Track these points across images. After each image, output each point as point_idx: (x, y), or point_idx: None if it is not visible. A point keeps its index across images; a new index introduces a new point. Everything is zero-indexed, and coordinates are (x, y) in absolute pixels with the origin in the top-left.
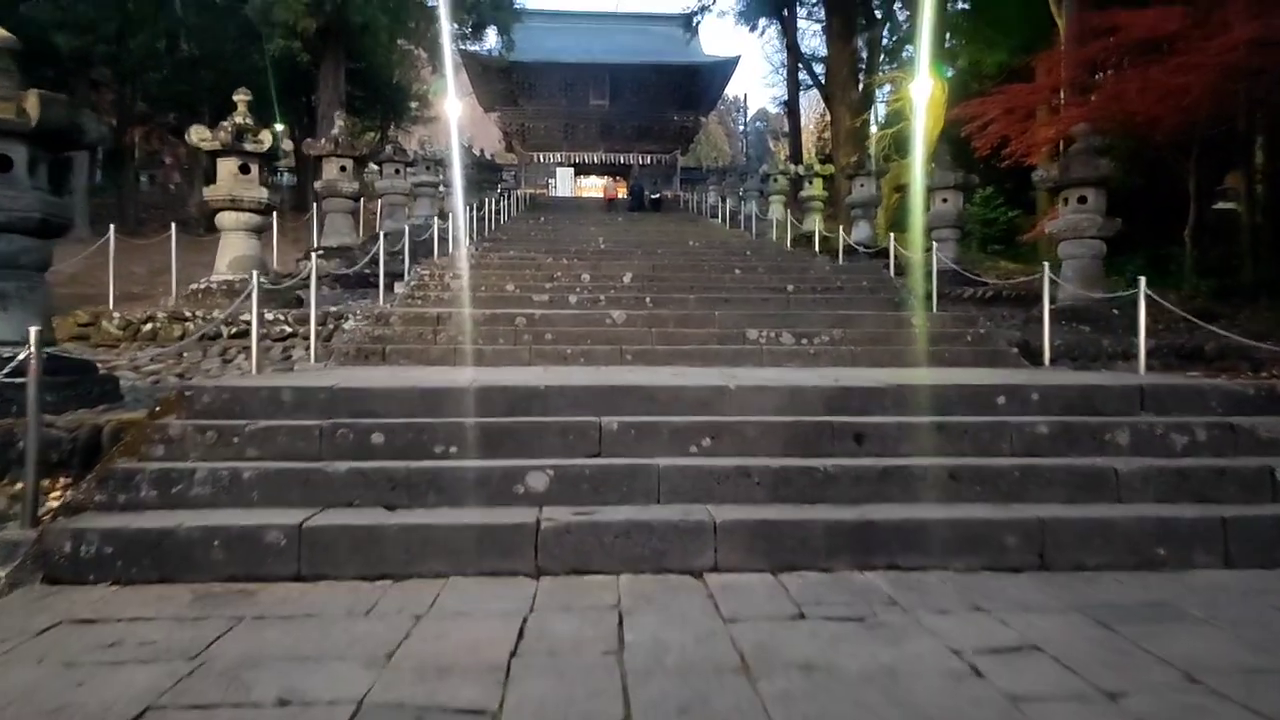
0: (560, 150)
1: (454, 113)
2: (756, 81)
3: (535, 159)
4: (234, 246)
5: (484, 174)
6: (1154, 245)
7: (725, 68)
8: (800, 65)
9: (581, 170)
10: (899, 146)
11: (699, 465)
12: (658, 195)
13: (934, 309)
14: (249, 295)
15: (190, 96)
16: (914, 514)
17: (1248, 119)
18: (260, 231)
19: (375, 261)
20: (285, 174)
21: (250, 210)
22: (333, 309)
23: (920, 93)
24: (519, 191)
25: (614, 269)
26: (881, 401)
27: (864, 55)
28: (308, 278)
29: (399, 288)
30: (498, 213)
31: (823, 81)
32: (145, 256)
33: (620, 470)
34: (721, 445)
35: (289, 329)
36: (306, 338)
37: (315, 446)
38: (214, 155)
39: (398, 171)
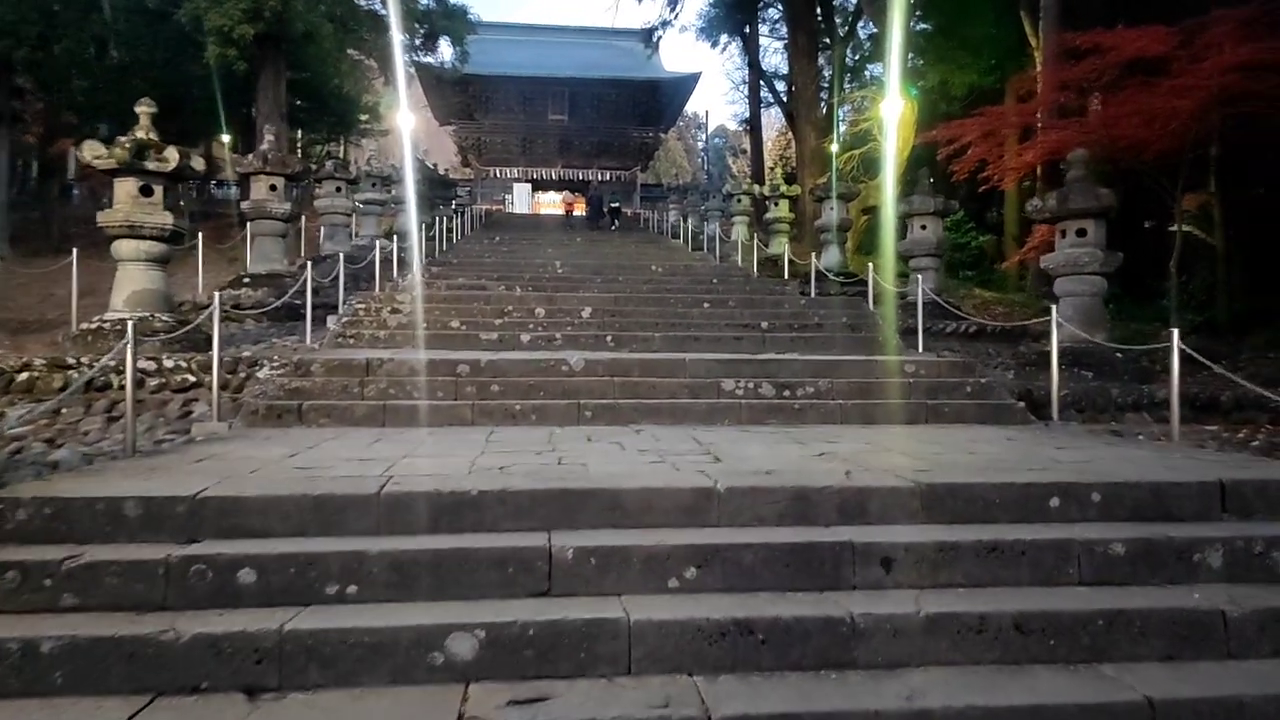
0: (518, 165)
1: (406, 126)
2: (717, 98)
3: (492, 174)
4: (132, 280)
5: (437, 190)
6: (1129, 273)
7: (686, 84)
8: (762, 82)
9: (540, 186)
10: (867, 168)
11: (683, 615)
12: (617, 205)
13: (919, 347)
14: (142, 340)
15: (119, 107)
16: (981, 697)
17: (1221, 143)
18: (165, 262)
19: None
20: (232, 187)
21: (152, 238)
22: (248, 352)
23: (890, 112)
24: (475, 208)
25: (571, 302)
26: (907, 506)
27: (826, 74)
28: (230, 309)
29: (331, 322)
30: (449, 232)
31: (785, 100)
32: (65, 278)
33: (576, 627)
34: (711, 577)
35: (192, 378)
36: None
37: (159, 592)
38: (111, 175)
39: (339, 190)
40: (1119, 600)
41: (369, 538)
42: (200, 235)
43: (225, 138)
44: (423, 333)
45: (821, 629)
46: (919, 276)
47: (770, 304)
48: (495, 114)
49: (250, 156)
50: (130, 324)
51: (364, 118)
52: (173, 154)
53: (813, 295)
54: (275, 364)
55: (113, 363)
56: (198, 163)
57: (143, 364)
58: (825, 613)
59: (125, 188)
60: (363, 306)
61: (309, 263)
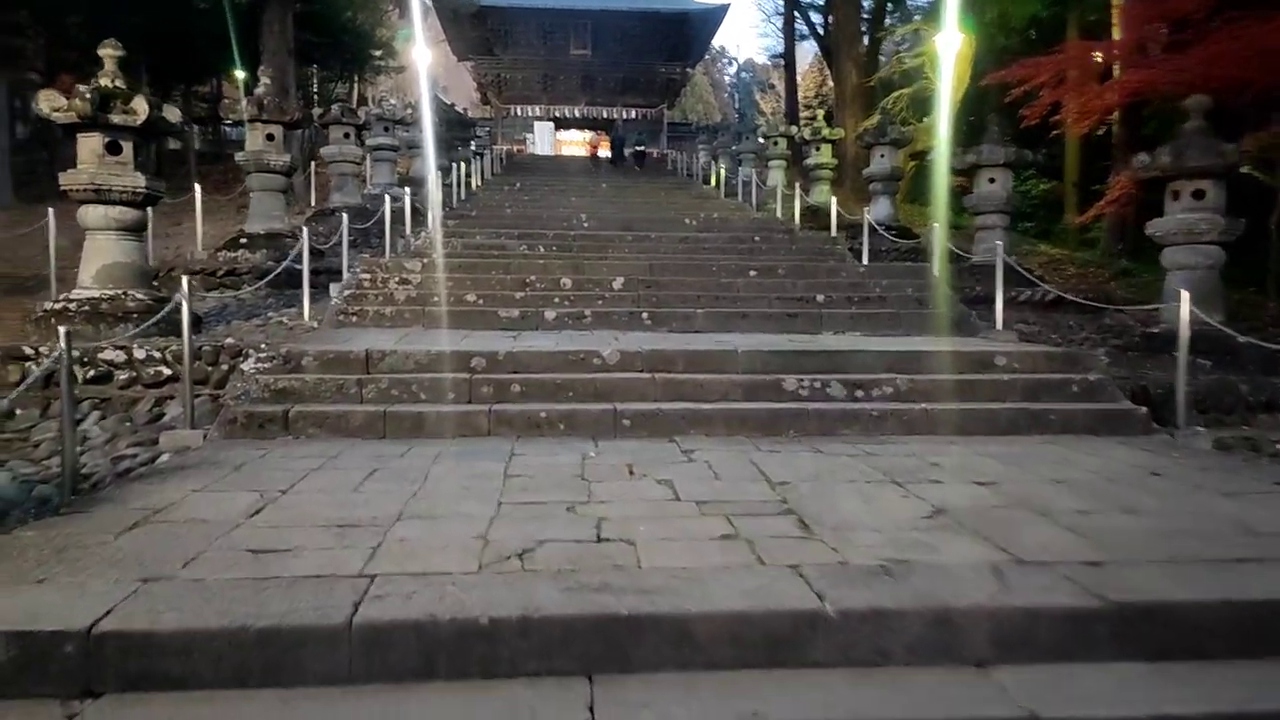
0: (539, 103)
1: (423, 63)
2: (746, 31)
3: (512, 112)
4: (101, 251)
5: (455, 131)
6: None
7: (715, 15)
8: (797, 14)
9: (562, 124)
10: (916, 108)
11: None
12: (642, 148)
13: (997, 323)
14: (113, 322)
15: (119, 41)
16: None
17: None
18: (139, 230)
19: (313, 254)
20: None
21: (123, 203)
22: (231, 339)
23: (946, 46)
24: (496, 149)
25: (600, 270)
26: (1093, 635)
27: (866, 5)
28: (224, 276)
29: (335, 291)
30: (468, 176)
31: (821, 34)
32: (67, 229)
33: None
34: None
35: (168, 370)
36: (196, 382)
37: None
38: (73, 130)
39: (347, 136)
40: None
41: (335, 690)
42: (198, 186)
43: (239, 74)
44: (434, 309)
45: None
46: (985, 235)
47: (825, 271)
48: (515, 49)
49: (244, 102)
50: (64, 338)
51: (378, 54)
52: (142, 105)
53: (865, 260)
54: (262, 356)
55: (76, 352)
56: (172, 114)
57: (109, 354)
58: None
59: (90, 145)
60: (368, 276)
61: (305, 225)
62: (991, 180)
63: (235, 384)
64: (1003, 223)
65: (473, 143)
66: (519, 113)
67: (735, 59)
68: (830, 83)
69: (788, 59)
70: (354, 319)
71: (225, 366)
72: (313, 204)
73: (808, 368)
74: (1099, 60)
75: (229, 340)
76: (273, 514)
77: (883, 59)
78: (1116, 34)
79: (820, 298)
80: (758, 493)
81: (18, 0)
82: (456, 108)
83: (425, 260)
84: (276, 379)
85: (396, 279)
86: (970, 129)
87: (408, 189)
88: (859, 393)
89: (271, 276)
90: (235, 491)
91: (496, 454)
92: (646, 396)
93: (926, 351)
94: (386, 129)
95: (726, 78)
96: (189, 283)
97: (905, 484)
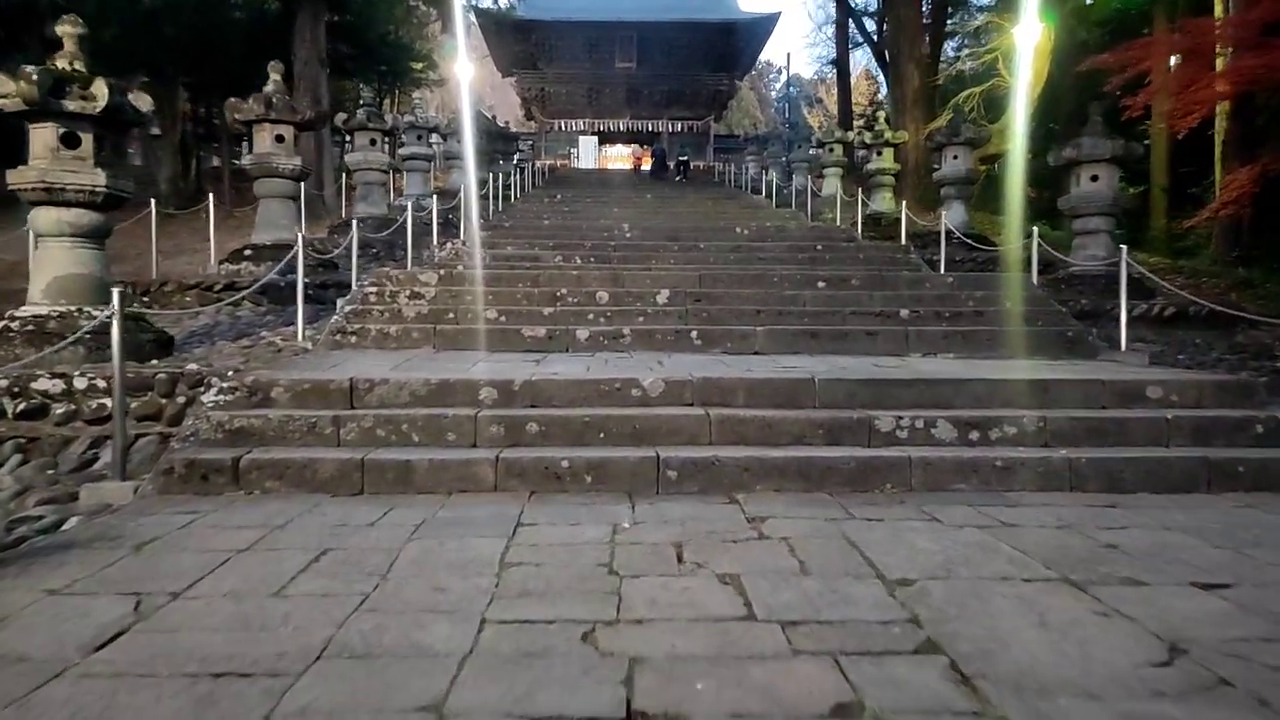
0: (583, 117)
1: (465, 75)
2: (796, 41)
3: (556, 127)
4: (54, 262)
5: (496, 144)
6: None
7: (764, 25)
8: (850, 20)
9: (606, 139)
10: (988, 109)
11: None
12: (685, 159)
13: (1121, 343)
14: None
15: (151, 55)
16: None
17: None
18: (99, 237)
19: (324, 265)
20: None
21: (80, 204)
22: (194, 364)
23: (1024, 39)
24: (538, 163)
25: (643, 281)
26: None
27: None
28: (222, 290)
29: (340, 307)
30: (508, 189)
31: (875, 39)
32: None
33: None
34: None
35: (111, 403)
36: (145, 417)
37: None
38: (25, 120)
39: (374, 142)
40: None
41: None
42: (211, 196)
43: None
44: (448, 328)
45: None
46: (1087, 241)
47: (906, 282)
48: (559, 63)
49: (250, 101)
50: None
51: (419, 67)
52: (101, 89)
53: (943, 269)
54: (224, 386)
55: (4, 381)
56: (142, 101)
57: (45, 383)
58: None
59: (42, 137)
60: (374, 290)
61: (299, 239)
62: (1094, 178)
63: (192, 419)
64: (1107, 226)
65: (515, 156)
66: (563, 127)
67: (785, 69)
68: (883, 92)
69: (840, 65)
70: (353, 339)
71: (182, 399)
72: (344, 216)
73: (904, 401)
74: (1215, 39)
75: (190, 367)
76: (131, 646)
77: (942, 64)
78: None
79: (904, 313)
80: (870, 600)
81: (53, 13)
82: (499, 122)
83: (443, 272)
84: (233, 416)
85: (407, 293)
86: (1047, 132)
87: (435, 200)
88: (974, 434)
89: (252, 291)
90: (106, 596)
91: (498, 523)
92: (698, 439)
93: (1053, 380)
94: (420, 137)
95: (773, 92)
96: (118, 297)
97: (1087, 586)
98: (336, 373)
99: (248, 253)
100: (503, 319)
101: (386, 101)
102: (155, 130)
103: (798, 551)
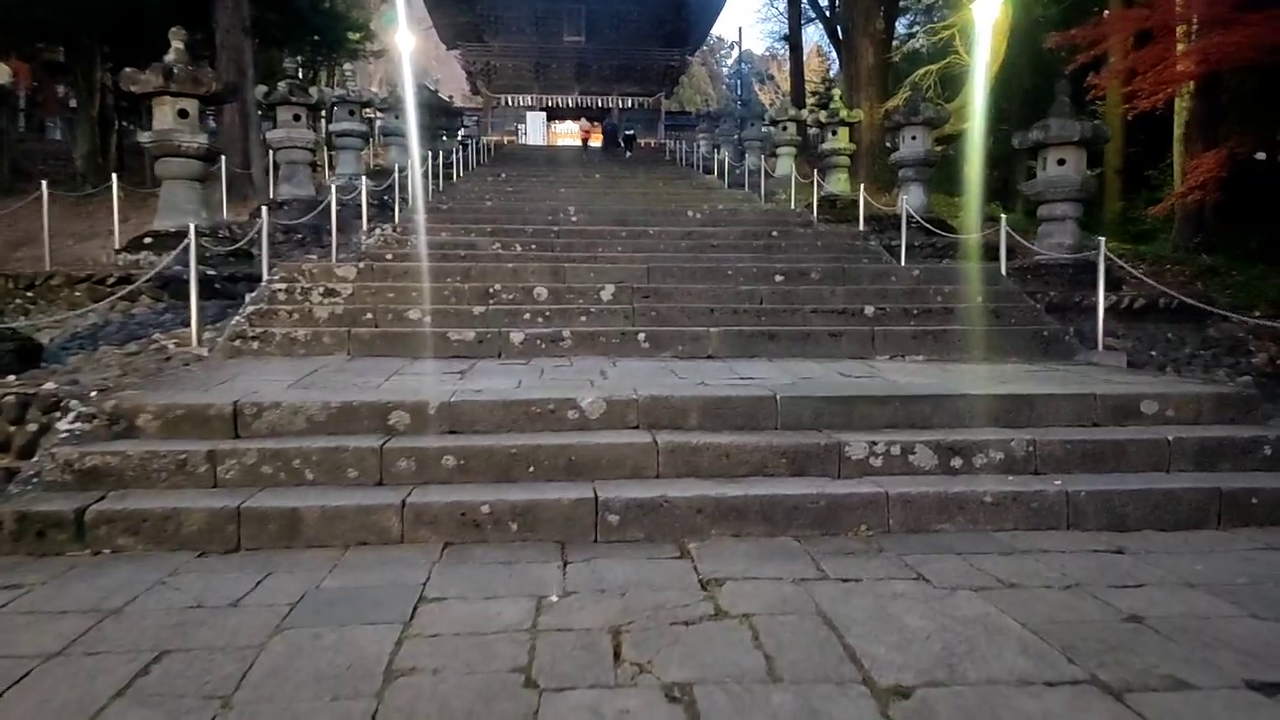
0: (531, 92)
1: (406, 47)
2: (748, 16)
3: (503, 102)
4: None
5: (440, 119)
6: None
7: (715, 2)
8: None
9: (555, 114)
10: (944, 87)
11: None
12: (631, 133)
13: (1098, 343)
14: None
15: (64, 24)
16: None
17: None
18: None
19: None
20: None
21: None
22: (51, 382)
23: (983, 14)
24: (484, 139)
25: (587, 276)
26: None
27: None
28: (115, 284)
29: (244, 309)
30: (448, 168)
31: (828, 14)
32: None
33: None
34: None
35: None
36: None
37: None
38: None
39: (298, 118)
40: None
41: None
42: (115, 177)
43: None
44: (364, 330)
45: None
46: (1053, 228)
47: (869, 275)
48: (506, 35)
49: (148, 72)
50: None
51: (355, 36)
52: None
53: (904, 257)
54: (83, 411)
55: None
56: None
57: None
58: None
59: None
60: (284, 288)
61: (190, 229)
62: (1061, 162)
63: (35, 458)
64: (1075, 213)
65: (460, 132)
66: (510, 102)
67: (737, 44)
68: (834, 69)
69: (793, 41)
70: (255, 344)
71: (35, 426)
72: (272, 196)
73: (877, 421)
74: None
75: (46, 386)
76: None
77: (896, 40)
78: None
79: (869, 310)
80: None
81: None
82: (443, 96)
83: (363, 265)
84: (85, 453)
85: (321, 290)
86: (999, 112)
87: (366, 180)
88: (956, 461)
89: (147, 284)
90: None
91: (395, 599)
92: (644, 471)
93: (1041, 395)
94: (352, 113)
95: (725, 69)
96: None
97: (1125, 694)
98: (221, 394)
99: (148, 240)
100: (428, 320)
101: (322, 74)
102: (73, 103)
103: (764, 639)
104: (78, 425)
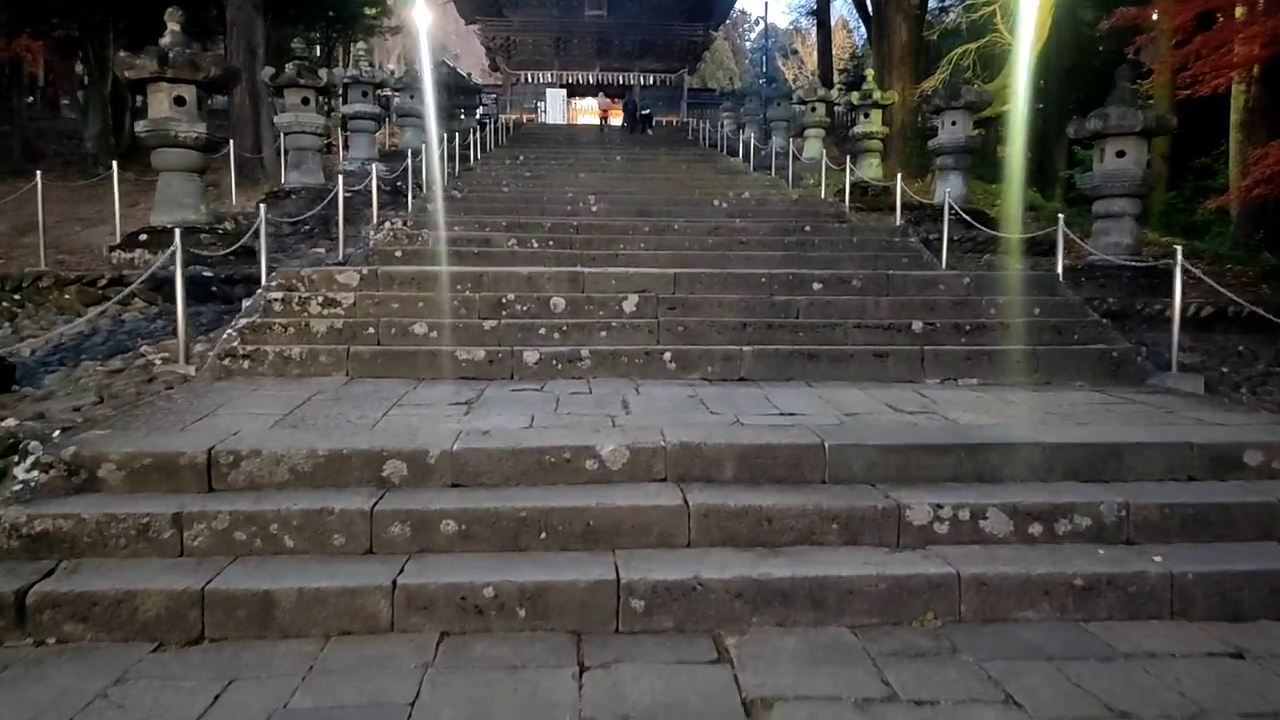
0: (551, 69)
1: (423, 24)
2: None
3: (523, 79)
4: None
5: (458, 98)
6: None
7: None
8: None
9: (575, 91)
10: (983, 66)
11: None
12: (648, 111)
13: (1172, 363)
14: None
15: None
16: None
17: None
18: None
19: (237, 254)
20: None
21: None
22: (11, 418)
23: None
24: (504, 117)
25: (607, 283)
26: None
27: None
28: (107, 286)
29: (237, 317)
30: (466, 149)
31: None
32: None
33: None
34: None
35: None
36: None
37: None
38: None
39: (306, 101)
40: None
41: None
42: (115, 165)
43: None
44: (364, 349)
45: None
46: (1109, 226)
47: (914, 284)
48: (526, 9)
49: (142, 56)
50: None
51: (371, 12)
52: None
53: (945, 255)
54: (42, 459)
55: None
56: None
57: None
58: None
59: None
60: (280, 298)
61: (180, 226)
62: (1121, 154)
63: None
64: (1134, 209)
65: (478, 110)
66: (529, 79)
67: (763, 19)
68: (859, 43)
69: (821, 18)
70: (246, 364)
71: None
72: (284, 182)
73: (938, 474)
74: None
75: (6, 423)
76: None
77: (929, 16)
78: None
79: (917, 325)
80: None
81: None
82: (462, 72)
83: (366, 271)
84: (34, 516)
85: (320, 299)
86: (1036, 90)
87: (378, 166)
88: (1035, 528)
89: (141, 286)
90: None
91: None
92: (673, 538)
93: (1127, 445)
94: (365, 94)
95: (748, 43)
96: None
97: None
98: (196, 435)
99: (143, 237)
100: (434, 335)
101: (339, 51)
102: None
103: None
104: (34, 475)
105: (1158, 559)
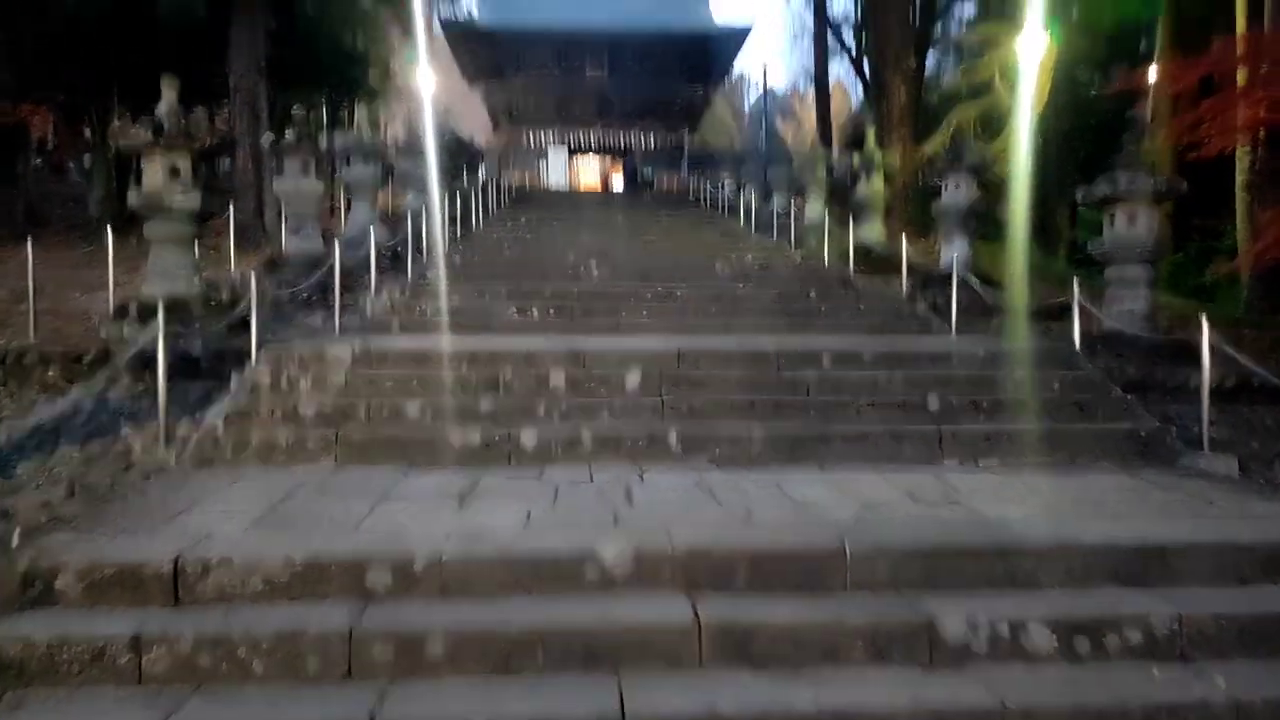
0: (552, 128)
1: (426, 87)
2: (772, 51)
3: (525, 138)
4: None
5: (459, 159)
6: None
7: (737, 36)
8: (830, 30)
9: (577, 151)
10: (983, 128)
11: None
12: (649, 174)
13: (1203, 441)
14: None
15: (72, 70)
16: None
17: None
18: None
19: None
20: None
21: None
22: None
23: (1028, 51)
24: (506, 178)
25: (610, 359)
26: None
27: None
28: (92, 363)
29: (222, 401)
30: (465, 214)
31: (854, 51)
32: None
33: None
34: None
35: None
36: None
37: None
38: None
39: (306, 167)
40: None
41: None
42: (109, 229)
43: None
44: (354, 435)
45: None
46: (1121, 293)
47: (926, 358)
48: (527, 71)
49: (135, 126)
50: None
51: (375, 76)
52: None
53: (954, 323)
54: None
55: None
56: None
57: None
58: None
59: None
60: (268, 379)
61: (161, 305)
62: (1132, 220)
63: None
64: (1147, 275)
65: (480, 169)
66: (531, 138)
67: (761, 81)
68: (856, 104)
69: (819, 79)
70: (229, 451)
71: None
72: (285, 247)
73: (970, 578)
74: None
75: None
76: None
77: (928, 77)
78: (1241, 28)
79: (933, 403)
80: None
81: None
82: (465, 131)
83: (359, 348)
84: None
85: (310, 380)
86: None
87: (376, 232)
88: (1082, 644)
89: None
90: None
91: None
92: (682, 662)
93: (1173, 546)
94: (366, 159)
95: (747, 105)
96: None
97: None
98: (165, 539)
99: (132, 309)
100: (428, 416)
101: (344, 113)
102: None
103: None
104: None
105: (1220, 681)
